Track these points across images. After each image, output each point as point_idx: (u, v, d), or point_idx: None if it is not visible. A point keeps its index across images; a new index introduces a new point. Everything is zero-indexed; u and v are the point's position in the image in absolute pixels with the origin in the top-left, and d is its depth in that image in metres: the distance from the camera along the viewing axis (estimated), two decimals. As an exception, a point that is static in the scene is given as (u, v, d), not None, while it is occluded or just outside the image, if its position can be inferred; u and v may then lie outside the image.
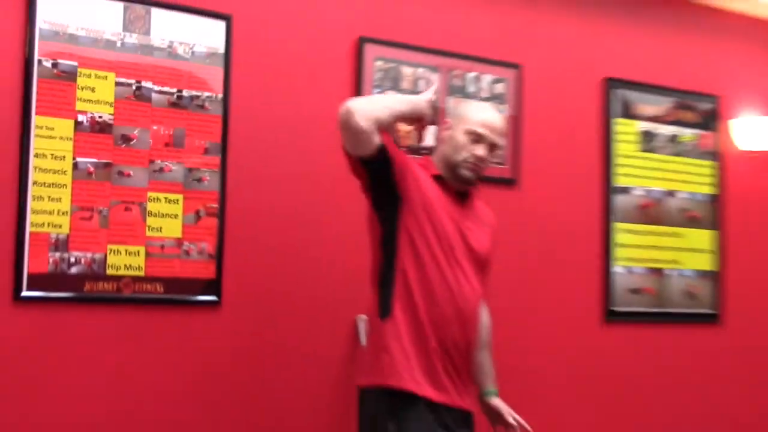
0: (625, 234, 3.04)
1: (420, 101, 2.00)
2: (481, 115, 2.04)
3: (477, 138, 1.99)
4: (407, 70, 2.72)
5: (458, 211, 2.01)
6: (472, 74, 2.82)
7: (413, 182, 1.95)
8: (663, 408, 3.08)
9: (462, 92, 2.80)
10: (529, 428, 2.12)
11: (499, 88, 2.86)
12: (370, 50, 2.63)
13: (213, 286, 2.30)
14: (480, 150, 1.98)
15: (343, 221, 2.46)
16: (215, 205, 2.32)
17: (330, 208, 2.54)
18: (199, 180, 2.31)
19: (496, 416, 2.12)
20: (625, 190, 3.06)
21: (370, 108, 1.89)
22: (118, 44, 2.22)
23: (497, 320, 2.55)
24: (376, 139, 1.86)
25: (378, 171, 1.91)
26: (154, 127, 2.26)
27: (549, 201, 2.92)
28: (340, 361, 2.46)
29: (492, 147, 1.99)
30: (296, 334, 2.45)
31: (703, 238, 3.21)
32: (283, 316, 2.44)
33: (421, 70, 2.74)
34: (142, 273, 2.23)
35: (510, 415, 2.12)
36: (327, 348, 2.48)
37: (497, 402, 2.15)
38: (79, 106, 2.17)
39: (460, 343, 1.98)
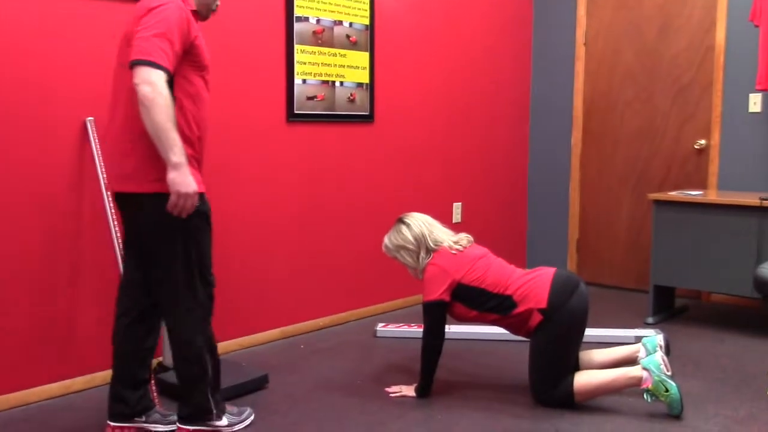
0: (303, 54, 3.48)
1: None
2: None
3: None
4: None
5: (199, 31, 2.28)
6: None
7: (195, 39, 2.22)
8: (334, 186, 3.70)
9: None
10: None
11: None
12: None
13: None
14: None
15: (76, 37, 2.63)
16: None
17: (60, 22, 2.64)
18: None
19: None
20: (303, 19, 3.48)
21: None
22: None
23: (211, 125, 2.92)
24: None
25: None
26: None
27: (239, 29, 3.24)
28: (77, 162, 2.72)
29: None
30: (29, 131, 2.64)
31: (361, 58, 3.75)
32: (16, 115, 2.60)
33: None
34: None
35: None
36: (60, 148, 2.69)
37: None
38: None
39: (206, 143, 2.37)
